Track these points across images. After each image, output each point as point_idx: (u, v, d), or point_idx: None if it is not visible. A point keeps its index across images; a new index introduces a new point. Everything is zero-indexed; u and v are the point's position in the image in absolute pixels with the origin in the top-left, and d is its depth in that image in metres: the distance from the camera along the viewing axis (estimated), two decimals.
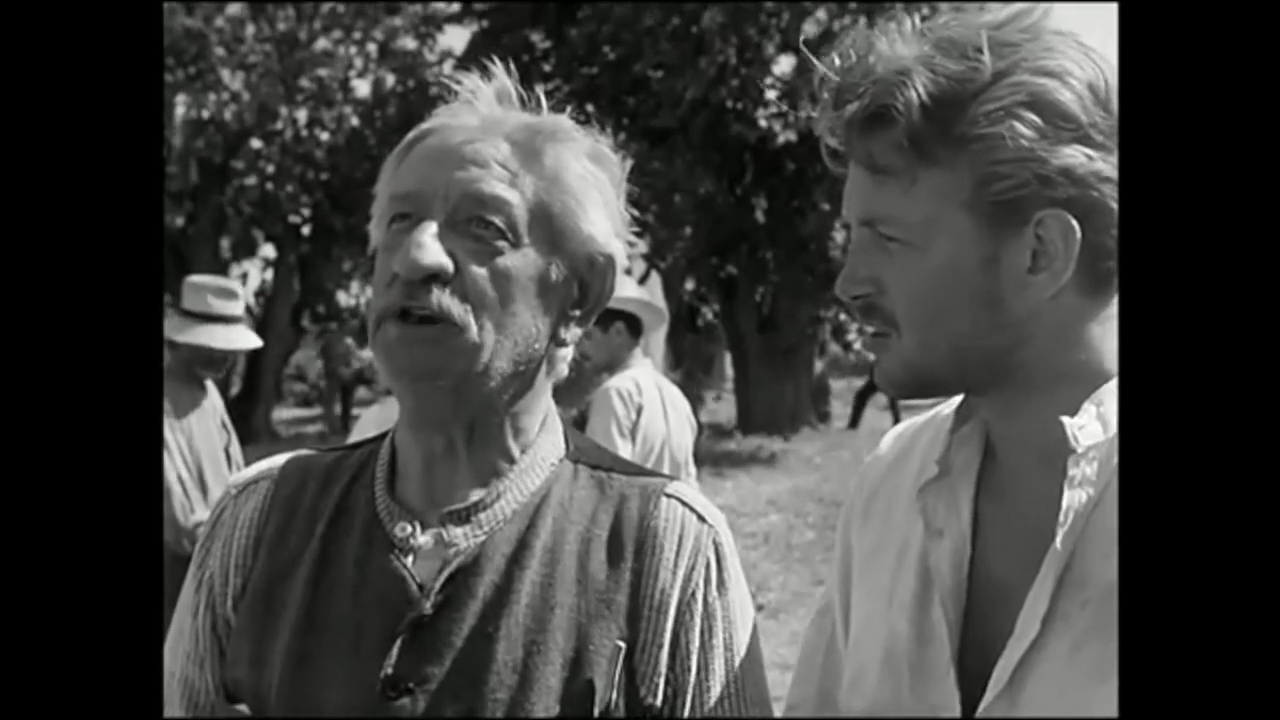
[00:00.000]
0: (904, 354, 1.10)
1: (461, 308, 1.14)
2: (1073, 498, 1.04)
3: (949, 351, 1.08)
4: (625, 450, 3.98)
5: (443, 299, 1.14)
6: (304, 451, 1.35)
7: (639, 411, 4.09)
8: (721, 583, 1.23)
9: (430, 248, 1.13)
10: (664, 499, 1.24)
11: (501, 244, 1.16)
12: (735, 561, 1.26)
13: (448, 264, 1.14)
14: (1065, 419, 1.04)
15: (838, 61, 1.09)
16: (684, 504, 1.25)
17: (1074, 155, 1.01)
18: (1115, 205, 1.02)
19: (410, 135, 1.23)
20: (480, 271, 1.15)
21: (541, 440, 1.26)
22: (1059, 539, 1.03)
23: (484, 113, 1.22)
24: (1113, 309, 1.08)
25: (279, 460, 1.33)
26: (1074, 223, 1.02)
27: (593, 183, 1.22)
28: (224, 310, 4.14)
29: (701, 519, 1.24)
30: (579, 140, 1.23)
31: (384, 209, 1.21)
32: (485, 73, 1.25)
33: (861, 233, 1.11)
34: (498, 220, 1.15)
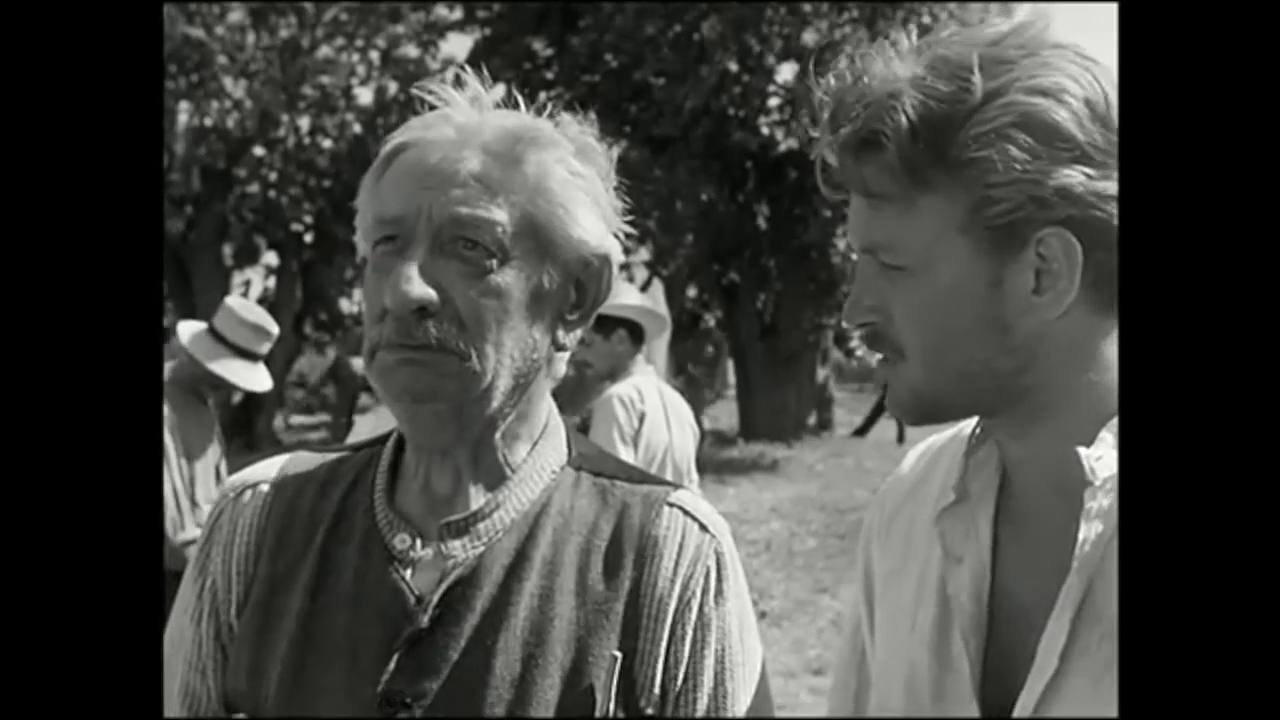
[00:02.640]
0: (912, 380, 1.08)
1: (457, 335, 1.13)
2: (1089, 530, 1.01)
3: (957, 377, 1.06)
4: (627, 457, 3.97)
5: (437, 330, 1.12)
6: (302, 453, 1.32)
7: (641, 418, 4.08)
8: (720, 593, 1.21)
9: (416, 281, 1.11)
10: (666, 508, 1.22)
11: (490, 262, 1.13)
12: (737, 573, 1.24)
13: (434, 297, 1.12)
14: (1081, 450, 1.01)
15: (833, 82, 1.06)
16: (686, 513, 1.22)
17: (1071, 175, 0.99)
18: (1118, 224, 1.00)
19: (386, 149, 1.19)
20: (471, 294, 1.12)
21: (542, 447, 1.24)
22: (1074, 571, 1.01)
23: (459, 121, 1.18)
24: None
25: (277, 462, 1.30)
26: (1075, 241, 1.00)
27: (579, 185, 1.19)
28: (254, 348, 4.12)
29: (704, 528, 1.22)
30: (561, 142, 1.19)
31: (368, 228, 1.18)
32: (459, 84, 1.22)
33: (864, 260, 1.09)
34: (483, 240, 1.13)
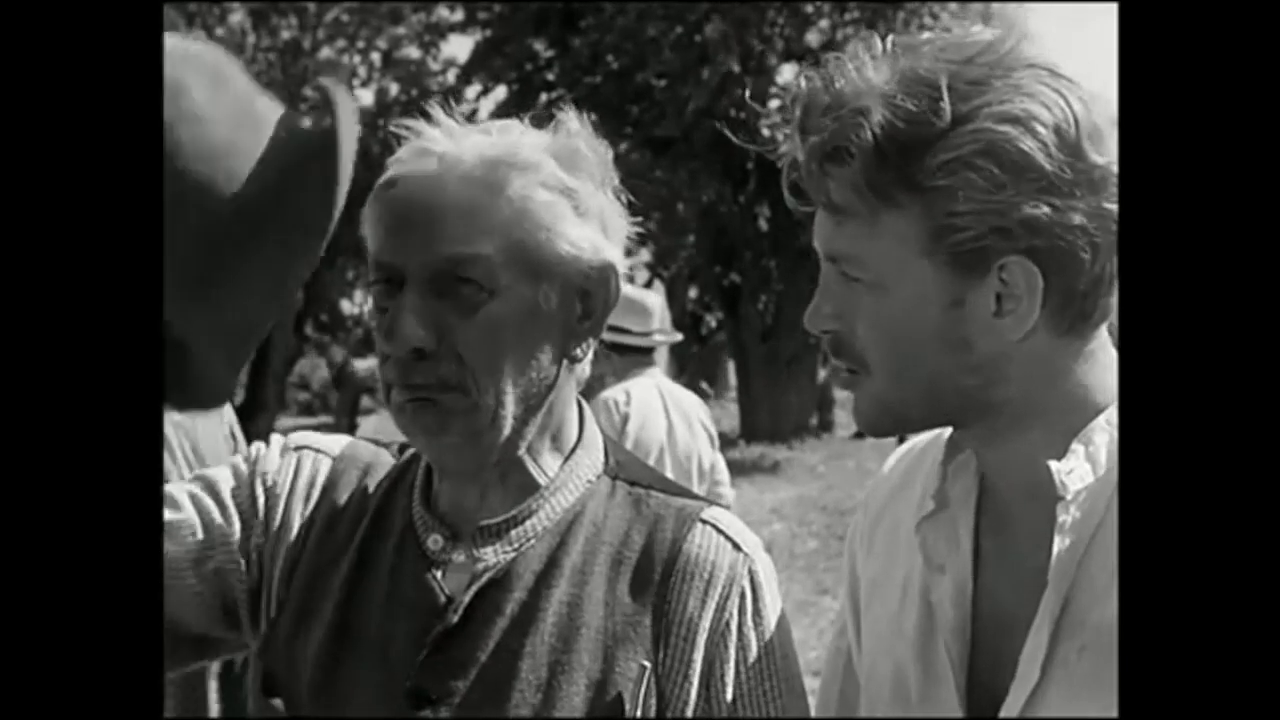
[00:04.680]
0: (876, 393, 1.08)
1: (458, 371, 1.13)
2: (1062, 543, 1.02)
3: (920, 392, 1.06)
4: None
5: (437, 369, 1.13)
6: (359, 443, 1.34)
7: (625, 421, 4.12)
8: (757, 612, 1.21)
9: (410, 325, 1.12)
10: (699, 524, 1.22)
11: (482, 296, 1.13)
12: (773, 590, 1.24)
13: (428, 338, 1.12)
14: (1052, 464, 1.02)
15: (804, 85, 1.05)
16: (719, 531, 1.22)
17: (1036, 207, 0.98)
18: (1084, 254, 0.99)
19: (377, 185, 1.19)
20: (467, 331, 1.13)
21: (579, 457, 1.25)
22: (1050, 585, 1.02)
23: (439, 151, 1.17)
24: (1092, 344, 1.05)
25: (339, 441, 1.33)
26: (1036, 270, 0.99)
27: (566, 202, 1.17)
28: None
29: (736, 547, 1.22)
30: (542, 162, 1.17)
31: (371, 261, 1.19)
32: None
33: (827, 267, 1.09)
34: (473, 275, 1.13)
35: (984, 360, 1.04)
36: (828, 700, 1.32)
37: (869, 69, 1.03)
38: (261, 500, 1.27)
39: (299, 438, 1.33)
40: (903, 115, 0.99)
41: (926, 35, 1.06)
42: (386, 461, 1.31)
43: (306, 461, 1.30)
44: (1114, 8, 0.96)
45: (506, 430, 1.17)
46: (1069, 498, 1.01)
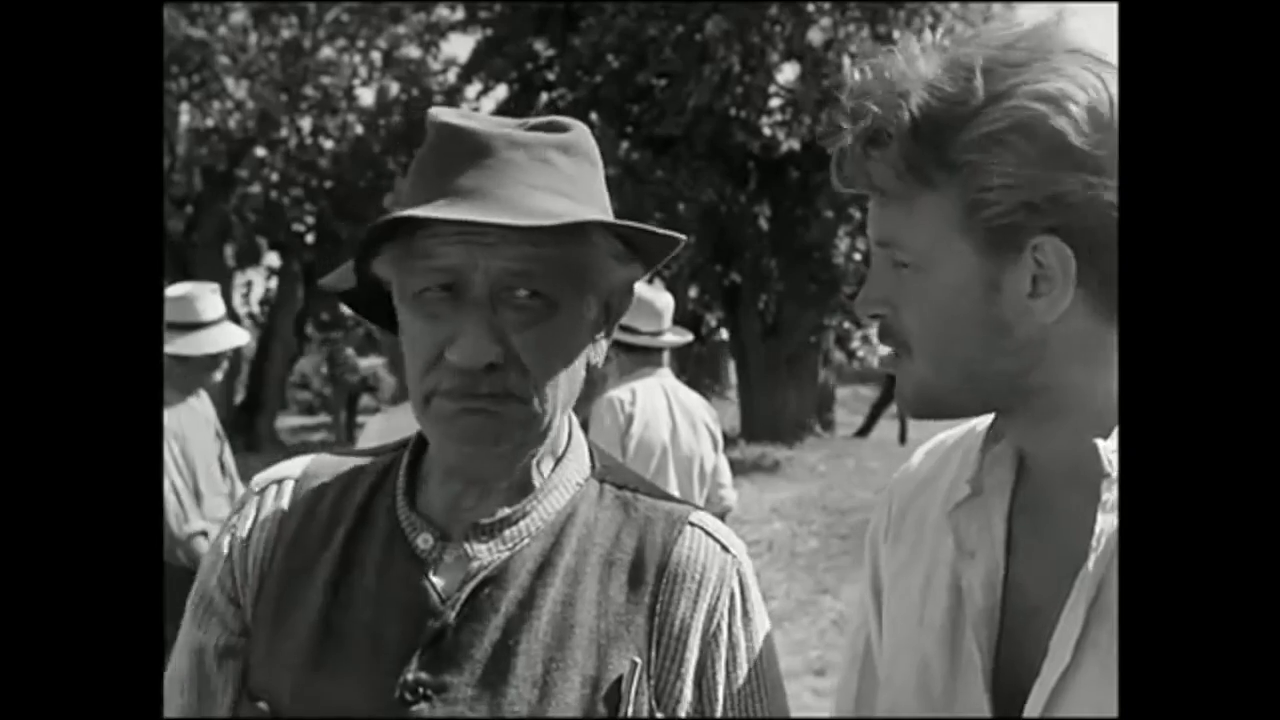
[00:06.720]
0: (918, 377, 1.09)
1: (522, 382, 1.15)
2: (1106, 522, 1.01)
3: (961, 375, 1.07)
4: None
5: (506, 380, 1.14)
6: (325, 455, 1.35)
7: (630, 421, 4.13)
8: (745, 613, 1.24)
9: (486, 339, 1.12)
10: (688, 527, 1.25)
11: (545, 309, 1.15)
12: (756, 591, 1.27)
13: (502, 353, 1.13)
14: (1099, 442, 1.02)
15: (855, 78, 1.08)
16: (707, 534, 1.25)
17: (1068, 183, 0.99)
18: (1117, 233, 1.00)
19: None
20: (531, 341, 1.14)
21: (567, 461, 1.27)
22: (1090, 563, 1.01)
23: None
24: None
25: (302, 461, 1.33)
26: (1068, 248, 1.01)
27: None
28: (193, 317, 4.02)
29: (725, 549, 1.25)
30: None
31: (415, 270, 1.15)
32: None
33: (878, 253, 1.11)
34: (540, 288, 1.14)
35: (1022, 343, 1.05)
36: (844, 699, 1.32)
37: (919, 59, 1.05)
38: (240, 563, 1.27)
39: (259, 479, 1.33)
40: (939, 95, 1.02)
41: (970, 31, 1.09)
42: (357, 467, 1.30)
43: (269, 498, 1.29)
44: (1089, 20, 0.96)
45: (549, 437, 1.22)
46: (1115, 475, 1.01)
